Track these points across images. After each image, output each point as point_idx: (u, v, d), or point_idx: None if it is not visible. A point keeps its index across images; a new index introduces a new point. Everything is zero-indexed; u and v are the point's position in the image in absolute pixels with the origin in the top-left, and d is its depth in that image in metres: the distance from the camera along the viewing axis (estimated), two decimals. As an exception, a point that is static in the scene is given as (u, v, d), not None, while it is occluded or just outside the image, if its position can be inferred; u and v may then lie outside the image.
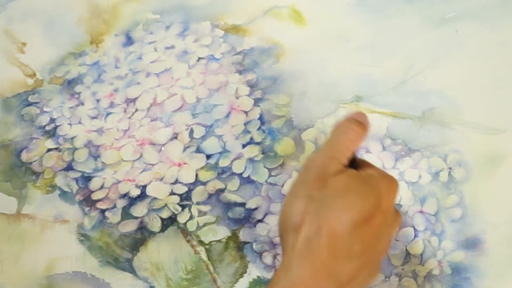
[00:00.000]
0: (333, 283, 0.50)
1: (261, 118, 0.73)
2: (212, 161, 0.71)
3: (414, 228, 0.67)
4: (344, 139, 0.54)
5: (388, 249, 0.55)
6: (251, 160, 0.71)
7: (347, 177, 0.52)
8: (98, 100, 0.75)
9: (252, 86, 0.74)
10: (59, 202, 0.70)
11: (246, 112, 0.73)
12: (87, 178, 0.71)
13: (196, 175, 0.70)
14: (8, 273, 0.67)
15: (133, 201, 0.70)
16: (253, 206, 0.69)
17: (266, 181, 0.70)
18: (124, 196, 0.70)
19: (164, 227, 0.68)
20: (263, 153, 0.71)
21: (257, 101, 0.74)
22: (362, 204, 0.51)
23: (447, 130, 0.71)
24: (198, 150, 0.72)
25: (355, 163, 0.55)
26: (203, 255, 0.67)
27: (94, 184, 0.71)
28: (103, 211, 0.70)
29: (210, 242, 0.68)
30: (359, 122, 0.55)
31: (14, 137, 0.74)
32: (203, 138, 0.72)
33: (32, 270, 0.67)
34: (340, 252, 0.50)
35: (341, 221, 0.50)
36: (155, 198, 0.70)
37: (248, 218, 0.68)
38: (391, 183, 0.54)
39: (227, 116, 0.73)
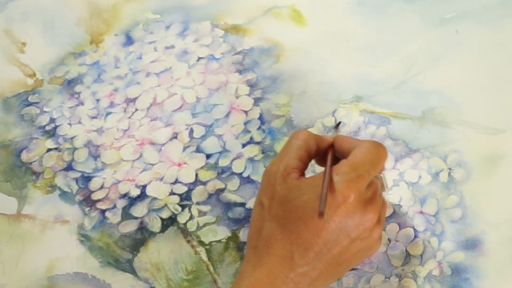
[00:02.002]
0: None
1: (261, 118, 0.73)
2: (212, 160, 0.71)
3: (414, 229, 0.67)
4: (292, 146, 0.59)
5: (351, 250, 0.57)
6: (251, 159, 0.71)
7: (286, 189, 0.57)
8: (98, 100, 0.75)
9: (252, 85, 0.74)
10: (59, 202, 0.70)
11: (246, 112, 0.73)
12: (87, 178, 0.71)
13: (196, 175, 0.70)
14: (9, 274, 0.67)
15: (133, 201, 0.70)
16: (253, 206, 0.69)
17: (266, 181, 0.70)
18: (124, 196, 0.70)
19: (164, 227, 0.68)
20: (263, 153, 0.71)
21: (257, 101, 0.73)
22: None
23: (447, 130, 0.71)
24: (198, 150, 0.72)
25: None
26: (203, 256, 0.67)
27: (94, 184, 0.71)
28: (103, 211, 0.70)
29: (210, 242, 0.68)
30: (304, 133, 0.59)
31: (14, 137, 0.74)
32: (203, 137, 0.72)
33: (32, 271, 0.67)
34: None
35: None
36: (155, 198, 0.70)
37: (248, 218, 0.68)
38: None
39: (227, 115, 0.73)
